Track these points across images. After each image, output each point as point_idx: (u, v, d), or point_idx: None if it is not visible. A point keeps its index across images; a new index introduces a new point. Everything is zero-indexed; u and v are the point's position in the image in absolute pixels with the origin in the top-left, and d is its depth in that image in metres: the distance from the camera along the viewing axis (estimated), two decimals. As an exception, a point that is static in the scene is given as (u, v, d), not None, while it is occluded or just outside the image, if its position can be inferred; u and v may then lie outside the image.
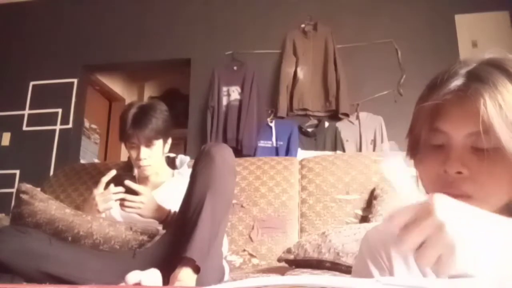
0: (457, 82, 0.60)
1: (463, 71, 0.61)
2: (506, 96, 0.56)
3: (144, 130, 1.50)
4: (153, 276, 1.04)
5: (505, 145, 0.54)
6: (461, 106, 0.59)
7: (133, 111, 1.53)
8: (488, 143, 0.56)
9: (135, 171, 1.66)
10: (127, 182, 1.39)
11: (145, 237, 1.27)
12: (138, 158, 1.53)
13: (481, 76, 0.58)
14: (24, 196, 1.27)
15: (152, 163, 1.56)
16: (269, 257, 1.78)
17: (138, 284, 0.98)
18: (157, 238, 1.27)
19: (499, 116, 0.55)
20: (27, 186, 1.30)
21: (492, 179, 0.57)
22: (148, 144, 1.52)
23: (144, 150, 1.52)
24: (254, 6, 3.73)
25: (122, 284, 1.04)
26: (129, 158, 1.66)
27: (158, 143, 1.55)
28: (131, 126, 1.50)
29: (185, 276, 1.08)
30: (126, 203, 1.39)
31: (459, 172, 0.58)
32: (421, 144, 0.63)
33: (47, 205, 1.26)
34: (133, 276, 0.98)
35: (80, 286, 1.05)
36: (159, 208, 1.42)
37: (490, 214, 0.48)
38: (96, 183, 1.49)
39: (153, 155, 1.55)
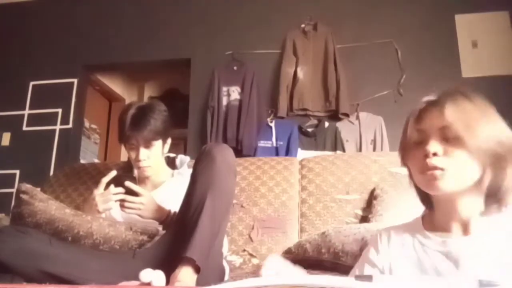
0: (432, 97, 0.93)
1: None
2: (463, 104, 0.87)
3: (142, 132, 1.49)
4: (161, 278, 1.04)
5: (461, 134, 0.82)
6: (434, 109, 0.88)
7: (131, 112, 1.53)
8: (452, 133, 0.83)
9: (135, 172, 1.66)
10: (127, 183, 1.39)
11: (145, 237, 1.27)
12: (137, 159, 1.53)
13: (448, 93, 0.92)
14: (24, 196, 1.27)
15: (151, 164, 1.56)
16: (269, 257, 1.78)
17: (148, 284, 0.98)
18: (157, 238, 1.27)
19: (458, 114, 0.84)
20: (27, 186, 1.30)
21: (458, 157, 0.83)
22: (147, 145, 1.52)
23: (143, 151, 1.52)
24: (254, 6, 3.73)
25: (122, 283, 1.04)
26: (129, 158, 1.66)
27: (157, 143, 1.55)
28: (129, 127, 1.50)
29: (185, 276, 1.08)
30: (126, 204, 1.39)
31: (435, 154, 0.83)
32: (409, 146, 0.91)
33: (47, 205, 1.26)
34: (146, 275, 0.98)
35: (80, 286, 1.05)
36: (159, 209, 1.42)
37: None
38: (96, 183, 1.49)
39: (152, 156, 1.55)
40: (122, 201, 1.39)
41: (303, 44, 3.50)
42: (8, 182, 3.60)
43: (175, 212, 1.41)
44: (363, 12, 3.55)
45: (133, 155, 1.54)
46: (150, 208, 1.40)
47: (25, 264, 1.09)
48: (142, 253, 1.23)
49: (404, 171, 1.93)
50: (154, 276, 1.00)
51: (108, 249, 1.23)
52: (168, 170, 1.70)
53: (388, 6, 3.52)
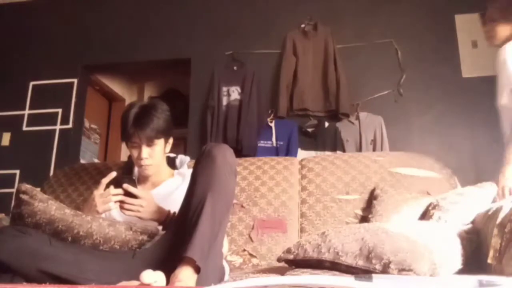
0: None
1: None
2: None
3: (145, 130, 1.50)
4: (161, 279, 1.04)
5: None
6: None
7: (134, 110, 1.53)
8: None
9: (136, 171, 1.67)
10: (125, 186, 1.39)
11: (145, 237, 1.27)
12: (139, 158, 1.53)
13: None
14: (24, 196, 1.27)
15: (153, 163, 1.56)
16: (269, 257, 1.78)
17: (149, 285, 0.98)
18: (157, 238, 1.27)
19: None
20: (26, 186, 1.29)
21: None
22: (149, 143, 1.53)
23: (145, 150, 1.53)
24: (254, 6, 3.73)
25: (122, 283, 1.04)
26: (129, 158, 1.67)
27: (160, 142, 1.56)
28: (132, 126, 1.50)
29: (185, 276, 1.08)
30: (125, 206, 1.39)
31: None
32: None
33: (46, 206, 1.26)
34: (147, 276, 0.98)
35: (80, 286, 1.05)
36: (158, 210, 1.43)
37: None
38: (96, 183, 1.49)
39: (154, 155, 1.55)
40: (121, 202, 1.39)
41: (303, 44, 3.49)
42: (8, 182, 3.60)
43: (174, 213, 1.41)
44: (363, 12, 3.55)
45: (135, 153, 1.55)
46: (150, 210, 1.40)
47: (25, 264, 1.09)
48: (142, 253, 1.23)
49: (404, 171, 1.94)
50: (155, 277, 1.00)
51: (108, 249, 1.23)
52: (169, 169, 1.70)
53: (388, 6, 3.52)
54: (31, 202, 1.26)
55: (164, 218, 1.42)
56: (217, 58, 3.61)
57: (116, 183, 1.40)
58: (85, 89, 4.08)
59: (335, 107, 3.30)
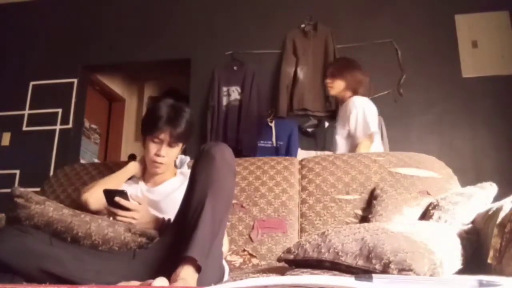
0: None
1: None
2: None
3: (176, 128, 1.54)
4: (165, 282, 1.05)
5: None
6: None
7: (167, 108, 1.56)
8: None
9: (137, 169, 1.69)
10: (117, 199, 1.39)
11: (143, 239, 1.26)
12: (157, 154, 1.55)
13: None
14: (19, 200, 1.26)
15: (166, 163, 1.58)
16: (269, 257, 1.78)
17: None
18: (157, 239, 1.27)
19: None
20: (20, 190, 1.28)
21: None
22: (173, 144, 1.56)
23: (165, 148, 1.56)
24: (254, 6, 3.73)
25: (121, 284, 1.04)
26: (130, 157, 1.67)
27: (179, 146, 1.61)
28: (166, 122, 1.53)
29: (187, 275, 1.08)
30: (118, 218, 1.40)
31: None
32: None
33: (44, 207, 1.25)
34: (161, 282, 1.00)
35: (80, 286, 1.05)
36: (152, 220, 1.44)
37: None
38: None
39: (171, 155, 1.59)
40: (114, 214, 1.40)
41: (303, 44, 3.50)
42: (8, 182, 3.59)
43: (169, 220, 1.42)
44: (363, 12, 3.55)
45: (154, 148, 1.57)
46: (143, 221, 1.41)
47: (26, 264, 1.09)
48: (142, 254, 1.23)
49: (404, 171, 1.94)
50: (166, 283, 1.01)
51: (107, 250, 1.23)
52: (173, 169, 1.72)
53: (388, 6, 3.52)
54: (27, 205, 1.25)
55: (158, 226, 1.43)
56: (217, 58, 3.61)
57: (109, 196, 1.41)
58: (85, 89, 4.08)
59: (335, 107, 3.30)
